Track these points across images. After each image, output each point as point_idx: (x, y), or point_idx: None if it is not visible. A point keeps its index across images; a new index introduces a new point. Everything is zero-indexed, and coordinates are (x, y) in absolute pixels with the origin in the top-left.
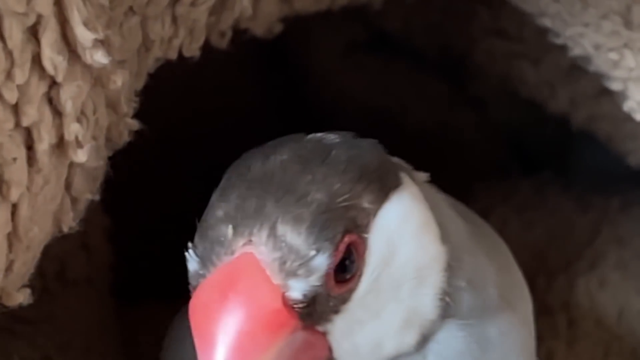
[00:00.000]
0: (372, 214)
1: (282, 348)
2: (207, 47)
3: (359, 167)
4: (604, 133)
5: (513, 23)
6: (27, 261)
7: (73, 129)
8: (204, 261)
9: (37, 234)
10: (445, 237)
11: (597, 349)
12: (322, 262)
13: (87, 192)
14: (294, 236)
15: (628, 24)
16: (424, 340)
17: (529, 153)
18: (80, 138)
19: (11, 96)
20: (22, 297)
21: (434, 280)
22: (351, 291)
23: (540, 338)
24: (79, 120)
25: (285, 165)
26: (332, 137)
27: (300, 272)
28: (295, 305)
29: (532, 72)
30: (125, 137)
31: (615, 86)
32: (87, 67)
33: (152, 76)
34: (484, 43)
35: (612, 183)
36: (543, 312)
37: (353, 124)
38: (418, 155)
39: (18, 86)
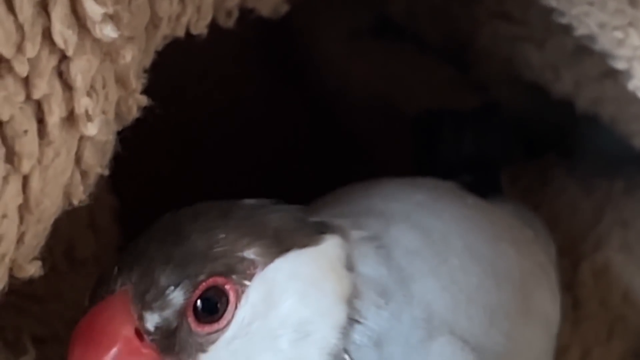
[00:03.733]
0: (258, 266)
1: None
2: (213, 30)
3: (251, 223)
4: (609, 115)
5: (517, 6)
6: (38, 233)
7: (83, 103)
8: (91, 298)
9: (48, 206)
10: (355, 295)
11: (602, 329)
12: (178, 297)
13: (97, 166)
14: (160, 272)
15: (633, 2)
16: None
17: (532, 137)
18: (90, 112)
19: (22, 69)
20: (32, 269)
21: (323, 336)
22: (219, 332)
23: None
24: (88, 95)
25: (186, 218)
26: (252, 201)
27: (156, 304)
28: (150, 337)
29: (537, 55)
30: (134, 113)
31: (620, 65)
32: (97, 42)
33: (157, 62)
34: (489, 26)
35: (616, 166)
36: None
37: (356, 109)
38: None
39: (29, 59)
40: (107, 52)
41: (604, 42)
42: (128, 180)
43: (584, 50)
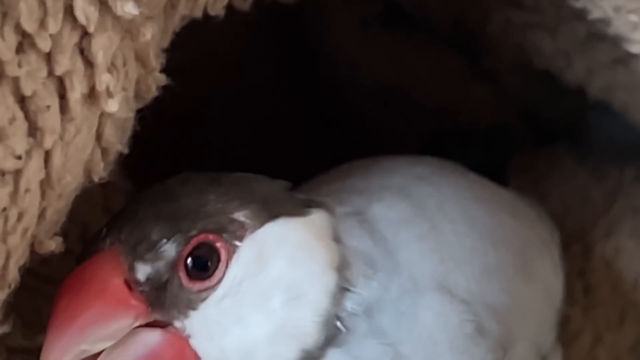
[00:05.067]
0: (248, 228)
1: (140, 343)
2: (226, 14)
3: (241, 189)
4: (620, 102)
5: None
6: (59, 209)
7: (104, 79)
8: (78, 260)
9: (69, 182)
10: (344, 265)
11: (613, 314)
12: (170, 250)
13: (117, 143)
14: (151, 227)
15: None
16: (319, 353)
17: (543, 125)
18: (111, 88)
19: (44, 45)
20: (53, 245)
21: (314, 299)
22: (209, 290)
23: None
24: (109, 71)
25: (175, 182)
26: (241, 173)
27: (147, 256)
28: (140, 288)
29: (549, 42)
30: (154, 92)
31: (634, 49)
32: (118, 19)
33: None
34: (500, 14)
35: (627, 153)
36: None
37: (367, 98)
38: (433, 128)
39: (51, 35)
40: (128, 29)
41: (618, 25)
42: (142, 165)
43: (596, 37)
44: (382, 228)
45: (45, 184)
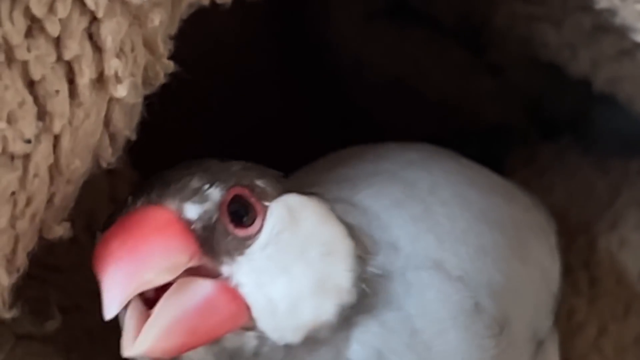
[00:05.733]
0: (269, 194)
1: (194, 292)
2: (233, 8)
3: (256, 168)
4: (625, 95)
5: None
6: (67, 195)
7: (113, 64)
8: (105, 226)
9: (78, 167)
10: (353, 237)
11: (618, 306)
12: (214, 193)
13: (125, 129)
14: (189, 179)
15: None
16: (346, 321)
17: (547, 118)
18: (119, 73)
19: (53, 29)
20: (62, 230)
21: (344, 257)
22: (252, 238)
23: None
24: (118, 57)
25: (190, 163)
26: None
27: (195, 199)
28: (192, 226)
29: (554, 34)
30: (161, 78)
31: None
32: (126, 5)
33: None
34: (505, 7)
35: (632, 146)
36: (564, 271)
37: (371, 92)
38: (438, 122)
39: (60, 20)
40: (136, 15)
41: (625, 15)
42: (147, 155)
43: (602, 29)
44: (375, 210)
45: (54, 169)
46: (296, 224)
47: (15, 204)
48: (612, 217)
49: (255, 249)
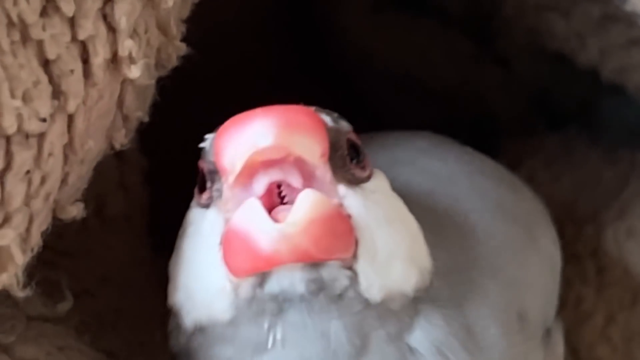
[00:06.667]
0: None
1: (318, 203)
2: None
3: None
4: (633, 84)
5: None
6: (81, 175)
7: (127, 45)
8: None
9: (92, 147)
10: None
11: (626, 295)
12: (344, 124)
13: (138, 110)
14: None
15: None
16: (414, 303)
17: (555, 109)
18: (133, 54)
19: (68, 9)
20: (75, 211)
21: (423, 241)
22: (365, 177)
23: (569, 284)
24: (131, 38)
25: None
26: None
27: (329, 117)
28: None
29: (562, 24)
30: (174, 61)
31: None
32: None
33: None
34: None
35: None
36: (572, 259)
37: (378, 82)
38: (445, 113)
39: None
40: None
41: (635, 2)
42: (157, 141)
43: (610, 18)
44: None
45: (68, 149)
46: (391, 195)
47: (30, 183)
48: (619, 207)
49: (367, 188)
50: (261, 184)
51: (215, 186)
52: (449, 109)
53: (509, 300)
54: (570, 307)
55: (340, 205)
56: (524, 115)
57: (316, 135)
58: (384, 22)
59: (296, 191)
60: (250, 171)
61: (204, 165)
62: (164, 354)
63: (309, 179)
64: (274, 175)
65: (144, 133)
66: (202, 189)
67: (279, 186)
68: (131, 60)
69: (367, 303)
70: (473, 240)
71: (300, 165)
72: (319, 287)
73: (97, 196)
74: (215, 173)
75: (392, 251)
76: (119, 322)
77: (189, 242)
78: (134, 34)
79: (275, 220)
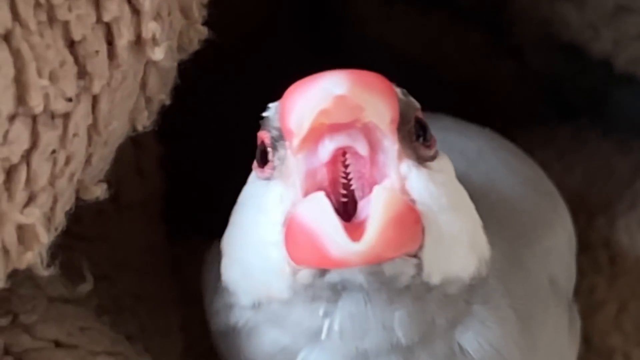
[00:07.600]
0: None
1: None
2: None
3: None
4: None
5: None
6: (104, 156)
7: (150, 27)
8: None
9: (115, 129)
10: None
11: (638, 284)
12: (413, 100)
13: (161, 92)
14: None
15: None
16: (469, 295)
17: (567, 100)
18: (157, 36)
19: None
20: (98, 191)
21: (482, 232)
22: (430, 157)
23: (582, 273)
24: (155, 20)
25: None
26: None
27: (400, 91)
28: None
29: (576, 14)
30: (195, 45)
31: None
32: None
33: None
34: None
35: None
36: (584, 249)
37: (391, 73)
38: (457, 104)
39: None
40: None
41: None
42: (173, 129)
43: (624, 9)
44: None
45: (92, 130)
46: (454, 178)
47: (55, 163)
48: (631, 197)
49: (434, 168)
50: (327, 149)
51: (278, 154)
52: (461, 99)
53: (543, 268)
54: (583, 296)
55: (407, 194)
56: (537, 106)
57: (387, 99)
58: (397, 14)
59: (362, 160)
60: (316, 134)
61: (265, 135)
62: (179, 339)
63: (375, 148)
64: (340, 141)
65: (159, 120)
66: (264, 162)
67: (343, 154)
68: (154, 42)
69: (428, 287)
70: (511, 219)
71: (368, 132)
72: (381, 282)
73: (113, 183)
74: (279, 140)
75: (455, 237)
76: (137, 306)
77: (248, 216)
78: (157, 16)
79: (341, 213)
